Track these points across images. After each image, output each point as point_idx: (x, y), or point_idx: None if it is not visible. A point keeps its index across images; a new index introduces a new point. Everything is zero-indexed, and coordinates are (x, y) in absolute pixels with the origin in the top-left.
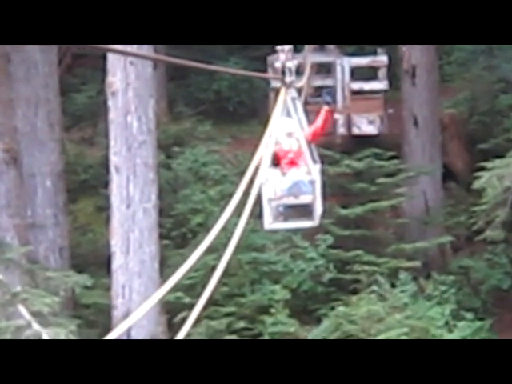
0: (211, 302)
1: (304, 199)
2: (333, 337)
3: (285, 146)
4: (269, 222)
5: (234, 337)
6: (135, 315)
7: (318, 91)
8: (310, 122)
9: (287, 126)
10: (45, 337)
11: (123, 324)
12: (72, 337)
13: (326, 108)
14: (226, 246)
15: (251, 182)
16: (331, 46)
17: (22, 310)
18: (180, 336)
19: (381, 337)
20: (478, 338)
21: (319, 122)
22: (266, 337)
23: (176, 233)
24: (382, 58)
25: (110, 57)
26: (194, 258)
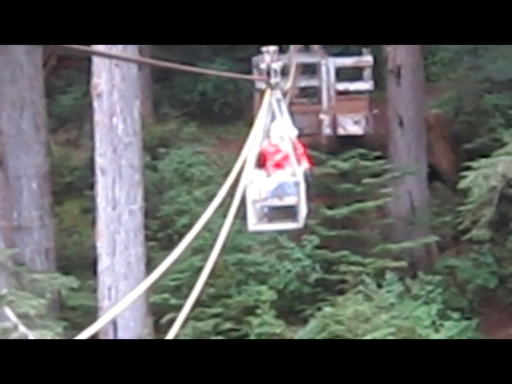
0: (198, 303)
1: (288, 201)
2: (319, 337)
3: (282, 147)
4: (253, 224)
5: (221, 338)
6: (117, 308)
7: (304, 92)
8: (301, 129)
9: (284, 128)
10: (32, 339)
11: (105, 315)
12: (54, 329)
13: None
14: (212, 247)
15: (236, 183)
16: (316, 47)
17: (9, 312)
18: (168, 337)
19: (367, 337)
20: (464, 337)
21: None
22: (253, 338)
23: (162, 234)
24: (367, 59)
25: (95, 59)
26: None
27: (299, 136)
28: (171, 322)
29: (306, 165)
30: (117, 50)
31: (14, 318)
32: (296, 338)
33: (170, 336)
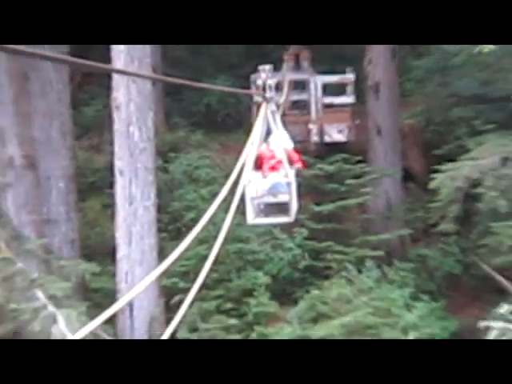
0: (203, 286)
1: (281, 198)
2: (307, 316)
3: (277, 153)
4: (251, 218)
5: (223, 316)
6: (134, 291)
7: (295, 105)
8: (292, 136)
9: (282, 139)
10: (59, 317)
11: (123, 297)
12: (82, 317)
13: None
14: (215, 238)
15: (236, 183)
16: (306, 65)
17: (39, 294)
18: (178, 316)
19: (349, 316)
20: (433, 317)
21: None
22: (250, 316)
23: (172, 227)
24: (350, 76)
25: (115, 76)
26: (182, 247)
27: (293, 143)
28: (180, 302)
29: (298, 165)
30: (133, 67)
31: (43, 299)
32: (288, 316)
33: (180, 315)
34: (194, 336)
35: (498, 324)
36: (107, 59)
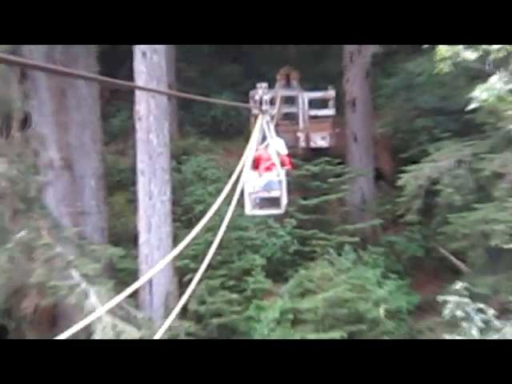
0: (209, 266)
1: (274, 194)
2: (296, 291)
3: (272, 156)
4: (249, 210)
5: (226, 292)
6: (152, 272)
7: (286, 116)
8: (285, 142)
9: (278, 145)
10: (91, 292)
11: (144, 276)
12: (110, 292)
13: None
14: (219, 227)
15: (237, 181)
16: (295, 84)
17: (74, 273)
18: (188, 291)
19: (330, 292)
20: (400, 293)
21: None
22: (249, 292)
23: (184, 218)
24: (331, 93)
25: (137, 92)
26: (192, 234)
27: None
28: (190, 280)
29: (288, 167)
30: (152, 85)
31: (78, 277)
32: (280, 292)
33: (190, 290)
34: (202, 308)
35: (453, 298)
36: (131, 78)
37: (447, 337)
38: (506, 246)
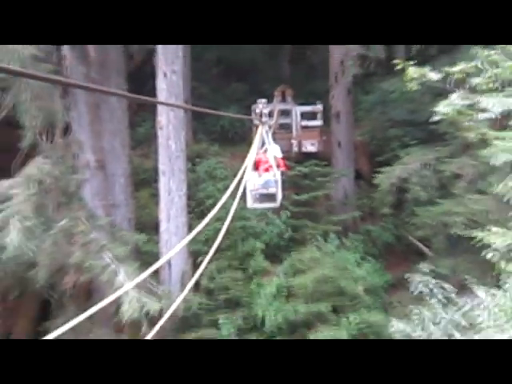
0: (218, 250)
1: (271, 190)
2: (289, 271)
3: (270, 159)
4: (250, 203)
5: (232, 271)
6: (170, 253)
7: (282, 126)
8: (280, 148)
9: (274, 150)
10: (120, 271)
11: (163, 257)
12: (136, 271)
13: (279, 157)
14: (226, 217)
15: (241, 179)
16: (289, 99)
17: (106, 255)
18: (200, 270)
19: (318, 271)
20: (376, 274)
21: (281, 163)
22: (250, 271)
23: (197, 210)
24: (319, 107)
25: (159, 106)
26: (204, 223)
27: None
28: (202, 261)
29: (283, 169)
30: (171, 100)
31: (109, 259)
32: (276, 272)
33: (202, 269)
34: (212, 284)
35: (419, 277)
36: (154, 95)
37: (413, 308)
38: (462, 234)
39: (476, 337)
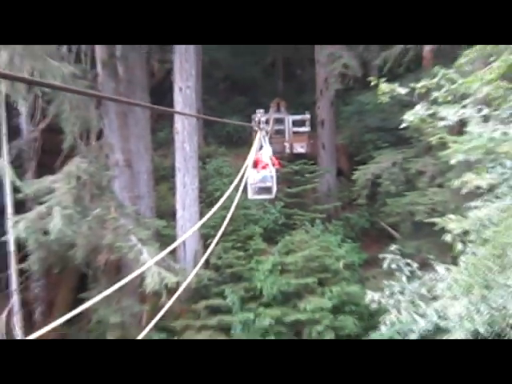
0: (224, 234)
1: (268, 184)
2: (283, 250)
3: (264, 158)
4: (250, 195)
5: (235, 251)
6: (185, 236)
7: (277, 132)
8: (274, 150)
9: (268, 151)
10: (144, 251)
11: (179, 239)
12: (157, 250)
13: (273, 157)
14: (231, 206)
15: (243, 175)
16: (283, 110)
17: (133, 237)
18: (209, 250)
19: (305, 251)
20: (353, 252)
21: (276, 161)
22: (251, 251)
23: (207, 200)
24: (307, 116)
25: (176, 115)
26: (212, 211)
27: (274, 154)
28: (211, 242)
29: (277, 167)
30: (186, 110)
31: (135, 241)
32: (272, 251)
33: (210, 249)
34: (219, 262)
35: (389, 255)
36: (171, 106)
37: (385, 281)
38: (425, 220)
39: (435, 304)
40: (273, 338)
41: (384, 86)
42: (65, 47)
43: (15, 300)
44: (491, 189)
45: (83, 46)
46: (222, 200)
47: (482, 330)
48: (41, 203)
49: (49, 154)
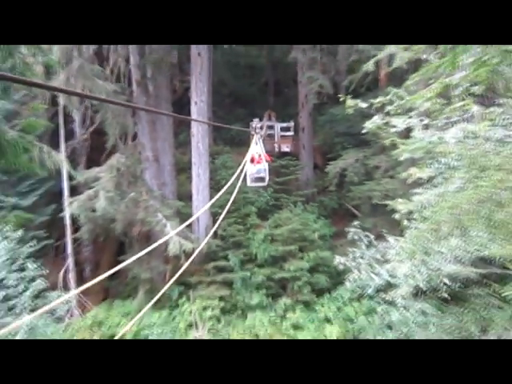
0: (228, 212)
1: (261, 175)
2: (272, 224)
3: (255, 155)
4: (248, 183)
5: (237, 225)
6: (198, 213)
7: (268, 135)
8: (266, 149)
9: (258, 150)
10: (167, 224)
11: (194, 216)
12: (177, 224)
13: (265, 154)
14: (233, 191)
15: (243, 168)
16: (273, 119)
17: (159, 214)
18: (217, 224)
19: (290, 225)
20: (325, 226)
21: (264, 155)
22: (248, 225)
23: (215, 187)
24: (291, 123)
25: (192, 122)
26: (219, 194)
27: (266, 152)
28: (218, 218)
29: (269, 160)
30: (200, 118)
31: (161, 217)
32: (264, 225)
33: (218, 223)
34: (224, 233)
35: (352, 229)
36: (188, 115)
37: (349, 249)
38: (379, 203)
39: (387, 266)
40: (265, 291)
41: (350, 102)
42: (108, 70)
43: (70, 261)
44: (430, 179)
45: (122, 68)
46: (226, 186)
47: (421, 285)
48: (90, 188)
49: (96, 151)
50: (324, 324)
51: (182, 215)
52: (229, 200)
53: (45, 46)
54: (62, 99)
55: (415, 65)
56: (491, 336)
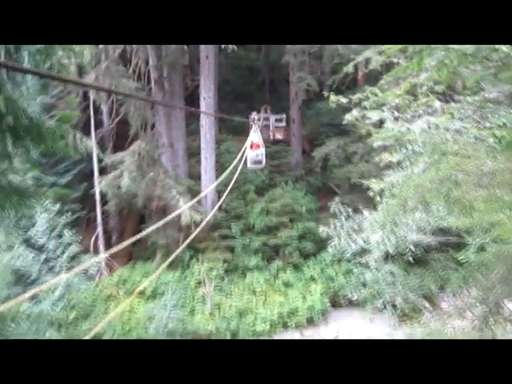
0: (231, 190)
1: (259, 158)
2: (267, 200)
3: (254, 141)
4: (248, 165)
5: (238, 200)
6: (206, 191)
7: (265, 126)
8: (263, 137)
9: (255, 138)
10: (180, 200)
11: (203, 193)
12: (189, 200)
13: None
14: (235, 172)
15: (243, 153)
16: (269, 112)
17: (174, 191)
18: (221, 200)
19: (282, 200)
20: (311, 201)
21: (261, 142)
22: (248, 200)
23: (220, 169)
24: (284, 116)
25: (201, 114)
26: (224, 175)
27: (263, 139)
28: (222, 195)
29: (264, 147)
30: (207, 111)
31: (175, 193)
32: (261, 200)
33: (222, 199)
34: (228, 207)
35: (334, 204)
36: (198, 108)
37: (331, 220)
38: (357, 182)
39: (362, 235)
40: (261, 255)
41: (333, 97)
42: (130, 70)
43: (99, 229)
44: (399, 163)
45: (142, 69)
46: (229, 168)
47: (391, 251)
48: (115, 169)
49: (121, 138)
50: (310, 282)
51: (193, 192)
52: (231, 180)
53: (78, 50)
54: (92, 94)
55: (387, 67)
56: (447, 292)
